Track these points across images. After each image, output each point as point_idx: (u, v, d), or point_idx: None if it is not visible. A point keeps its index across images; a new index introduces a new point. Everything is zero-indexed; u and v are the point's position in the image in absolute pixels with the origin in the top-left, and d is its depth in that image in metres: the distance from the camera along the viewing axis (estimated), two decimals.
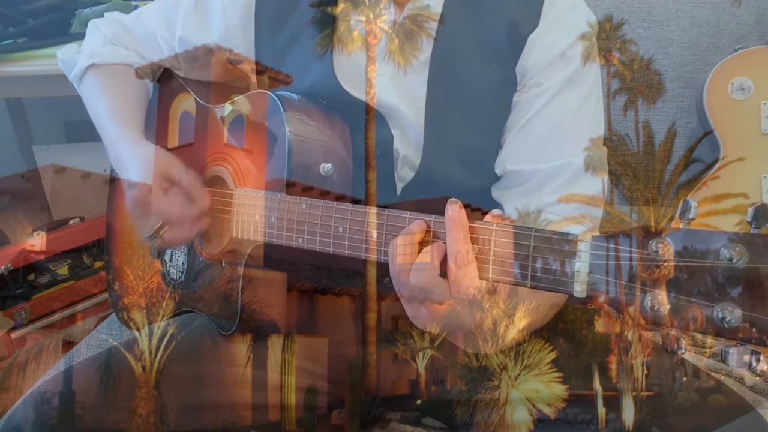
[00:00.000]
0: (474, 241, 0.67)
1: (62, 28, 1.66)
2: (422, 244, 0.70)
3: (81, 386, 0.84)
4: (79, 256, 1.50)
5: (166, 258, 1.02)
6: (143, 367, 0.84)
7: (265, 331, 0.88)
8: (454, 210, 0.67)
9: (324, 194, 0.82)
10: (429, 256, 0.68)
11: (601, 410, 0.78)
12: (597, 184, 0.87)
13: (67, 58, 1.07)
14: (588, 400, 0.79)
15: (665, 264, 0.53)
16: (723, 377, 0.85)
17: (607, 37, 1.19)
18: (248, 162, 0.89)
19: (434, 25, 0.88)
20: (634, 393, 0.78)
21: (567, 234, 0.61)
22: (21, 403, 0.83)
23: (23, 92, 1.75)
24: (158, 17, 1.04)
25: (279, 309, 0.88)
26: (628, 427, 0.77)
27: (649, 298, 0.54)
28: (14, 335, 1.38)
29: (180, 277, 0.99)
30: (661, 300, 0.54)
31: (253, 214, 0.86)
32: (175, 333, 0.88)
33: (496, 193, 0.91)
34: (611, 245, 0.57)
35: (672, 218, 0.55)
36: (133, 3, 1.63)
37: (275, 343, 0.88)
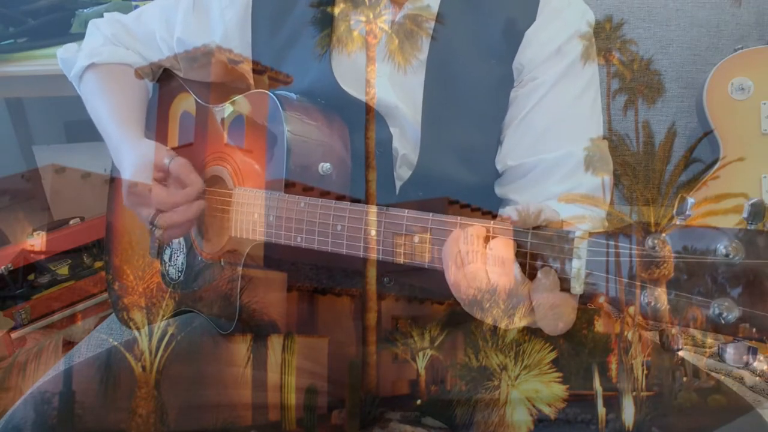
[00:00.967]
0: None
1: (62, 28, 1.66)
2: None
3: (81, 386, 0.84)
4: (79, 256, 1.50)
5: (166, 258, 1.02)
6: (143, 367, 0.84)
7: (265, 331, 0.88)
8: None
9: (324, 194, 0.82)
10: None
11: (601, 410, 0.78)
12: (598, 178, 0.87)
13: (67, 57, 1.07)
14: (588, 400, 0.79)
15: (663, 261, 0.53)
16: (723, 377, 0.85)
17: (607, 37, 1.19)
18: (247, 162, 0.89)
19: (432, 24, 0.89)
20: (634, 393, 0.78)
21: (566, 232, 0.61)
22: (21, 403, 0.83)
23: (23, 92, 1.75)
24: (158, 17, 1.04)
25: (279, 309, 0.88)
26: (628, 427, 0.77)
27: (647, 294, 0.54)
28: (14, 335, 1.38)
29: (180, 276, 0.99)
30: (659, 296, 0.54)
31: (252, 213, 0.86)
32: (175, 333, 0.88)
33: (499, 190, 0.91)
34: (610, 243, 0.57)
35: (672, 218, 0.55)
36: (133, 3, 1.63)
37: (275, 343, 0.88)
